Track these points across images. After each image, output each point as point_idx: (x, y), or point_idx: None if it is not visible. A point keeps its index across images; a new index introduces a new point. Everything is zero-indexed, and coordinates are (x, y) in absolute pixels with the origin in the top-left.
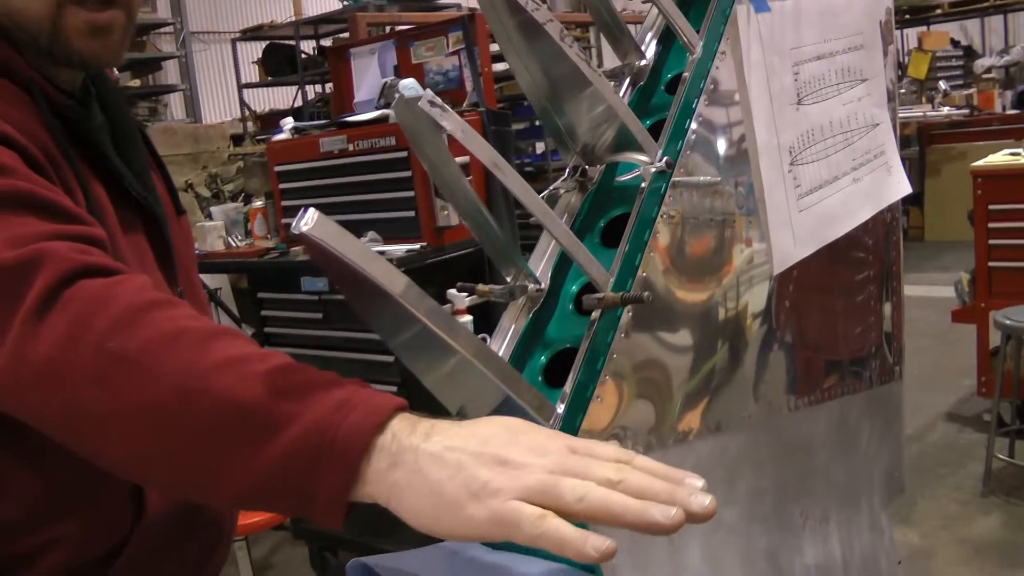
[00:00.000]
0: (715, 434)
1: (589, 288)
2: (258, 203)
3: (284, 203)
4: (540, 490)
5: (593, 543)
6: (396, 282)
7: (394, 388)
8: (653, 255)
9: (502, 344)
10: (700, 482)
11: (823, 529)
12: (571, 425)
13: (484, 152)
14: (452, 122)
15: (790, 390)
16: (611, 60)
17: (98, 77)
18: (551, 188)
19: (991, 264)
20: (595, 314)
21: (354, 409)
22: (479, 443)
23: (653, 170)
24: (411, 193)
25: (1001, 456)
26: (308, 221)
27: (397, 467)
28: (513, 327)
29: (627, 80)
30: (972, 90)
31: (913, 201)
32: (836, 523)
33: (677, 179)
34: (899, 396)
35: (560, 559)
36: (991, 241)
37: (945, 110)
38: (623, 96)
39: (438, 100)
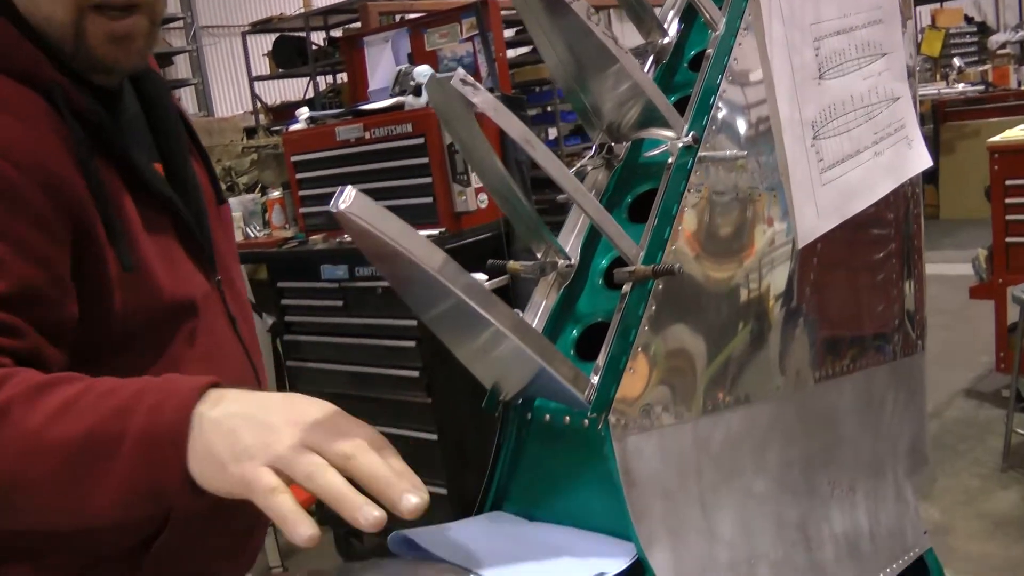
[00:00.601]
0: (745, 405)
1: (618, 262)
2: (275, 193)
3: (301, 193)
4: (284, 462)
5: (300, 531)
6: (434, 258)
7: (416, 373)
8: (681, 228)
9: (534, 319)
10: (417, 498)
11: (850, 499)
12: (605, 396)
13: (516, 129)
14: (484, 99)
15: (817, 362)
16: (625, 41)
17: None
18: (579, 165)
19: (1008, 240)
20: (626, 287)
21: (166, 408)
22: (253, 409)
23: (680, 145)
24: (428, 179)
25: (1020, 431)
26: (346, 199)
27: (196, 436)
28: (544, 302)
29: (650, 58)
30: (987, 66)
31: (928, 179)
32: (863, 493)
33: (704, 154)
34: (922, 369)
35: (596, 527)
36: (1008, 217)
37: (960, 87)
38: (647, 74)
39: (470, 78)
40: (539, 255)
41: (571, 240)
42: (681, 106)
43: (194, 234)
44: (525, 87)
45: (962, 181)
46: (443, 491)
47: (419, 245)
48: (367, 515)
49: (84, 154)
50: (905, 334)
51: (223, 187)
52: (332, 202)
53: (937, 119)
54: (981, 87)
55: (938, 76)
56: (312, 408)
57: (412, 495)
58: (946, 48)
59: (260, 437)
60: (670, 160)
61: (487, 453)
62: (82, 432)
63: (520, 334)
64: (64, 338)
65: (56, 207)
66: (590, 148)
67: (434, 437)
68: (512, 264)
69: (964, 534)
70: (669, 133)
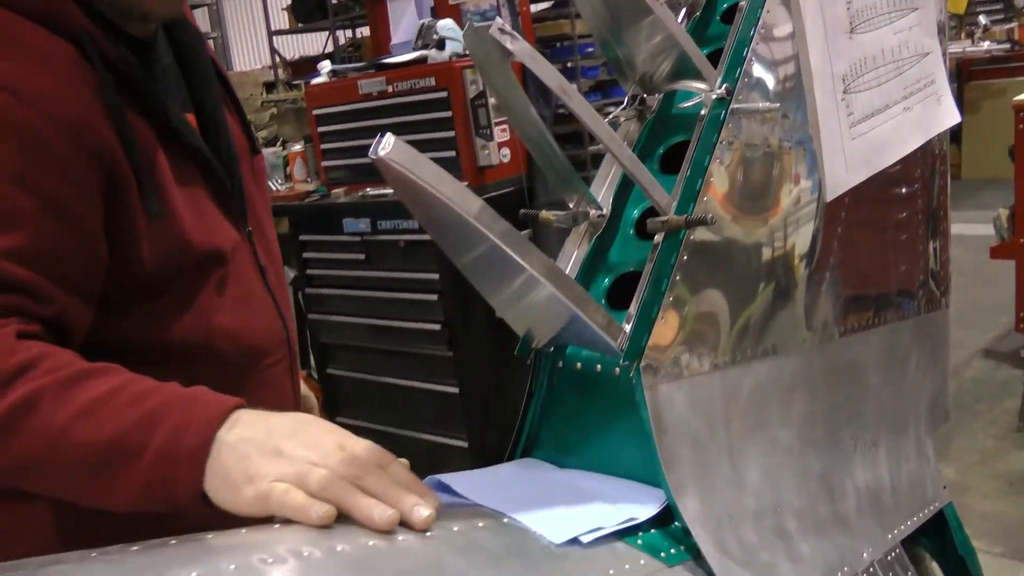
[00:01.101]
0: (772, 356)
1: (650, 212)
2: (297, 147)
3: (323, 146)
4: (295, 478)
5: (315, 509)
6: (471, 204)
7: (437, 327)
8: (713, 180)
9: (566, 268)
10: (428, 510)
11: (872, 453)
12: (637, 344)
13: (551, 77)
14: (521, 48)
15: (842, 316)
16: None
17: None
18: (611, 116)
19: None
20: (658, 237)
21: (189, 431)
22: (265, 435)
23: (714, 97)
24: (451, 133)
25: None
26: (386, 146)
27: (213, 460)
28: (576, 252)
29: (683, 11)
30: (1013, 24)
31: (950, 138)
32: (885, 447)
33: (736, 106)
34: (946, 325)
35: (626, 474)
36: None
37: (985, 45)
38: (680, 26)
39: (507, 27)
40: (571, 205)
41: (603, 190)
42: (713, 59)
43: (224, 184)
44: (547, 42)
45: (985, 141)
46: (464, 444)
47: (456, 191)
48: (381, 514)
49: (113, 103)
50: (929, 290)
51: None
52: (372, 148)
53: (962, 78)
54: (1007, 45)
55: (963, 34)
56: (321, 433)
57: (423, 508)
58: (972, 6)
59: (271, 463)
60: (703, 112)
61: (508, 406)
62: (105, 439)
63: (554, 281)
64: (92, 293)
65: (85, 157)
66: (612, 105)
67: (455, 390)
68: (544, 213)
69: (979, 493)
70: (702, 85)
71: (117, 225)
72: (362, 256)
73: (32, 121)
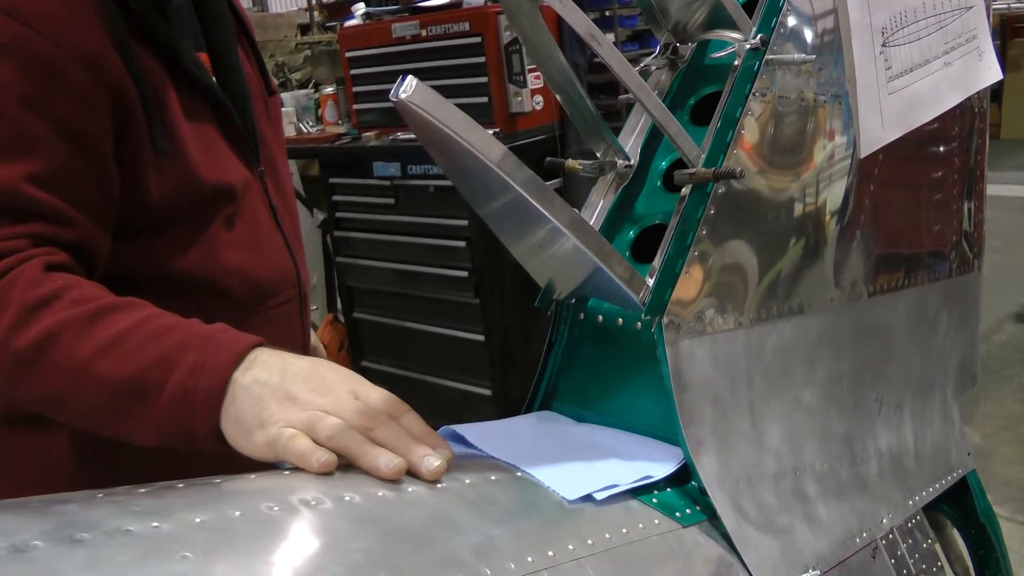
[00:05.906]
0: (798, 315)
1: (678, 164)
2: (329, 89)
3: (355, 89)
4: (305, 424)
5: (317, 456)
6: (493, 151)
7: (465, 273)
8: (744, 132)
9: (591, 219)
10: (438, 460)
11: (897, 416)
12: (660, 298)
13: (581, 23)
14: None
15: (872, 276)
16: None
17: None
18: (643, 65)
19: None
20: (685, 190)
21: (205, 371)
22: (280, 378)
23: (748, 47)
24: (484, 79)
25: None
26: (407, 88)
27: (228, 402)
28: (602, 202)
29: None
30: None
31: (991, 97)
32: (910, 411)
33: (771, 57)
34: (977, 288)
35: (644, 430)
36: None
37: None
38: None
39: None
40: (598, 154)
41: (631, 140)
42: (749, 9)
43: (235, 123)
44: None
45: None
46: (488, 392)
47: (479, 137)
48: (387, 462)
49: (121, 36)
50: (962, 252)
51: (275, 81)
52: (393, 91)
53: (1005, 35)
54: None
55: None
56: (336, 380)
57: (433, 458)
58: None
59: (283, 408)
60: (736, 62)
61: (533, 355)
62: (126, 375)
63: (577, 232)
64: (108, 219)
65: (95, 83)
66: (648, 55)
67: (481, 338)
68: (571, 162)
69: (1004, 459)
70: (736, 35)
71: (125, 156)
72: (391, 200)
73: (41, 46)
